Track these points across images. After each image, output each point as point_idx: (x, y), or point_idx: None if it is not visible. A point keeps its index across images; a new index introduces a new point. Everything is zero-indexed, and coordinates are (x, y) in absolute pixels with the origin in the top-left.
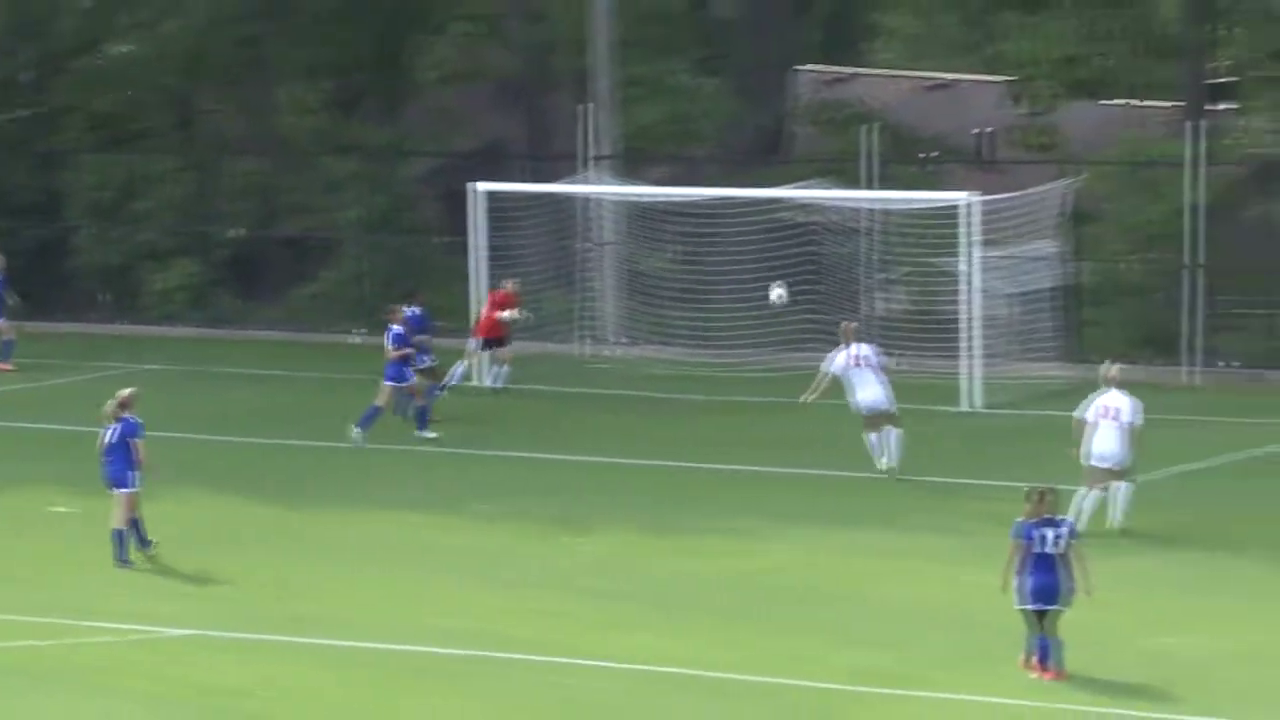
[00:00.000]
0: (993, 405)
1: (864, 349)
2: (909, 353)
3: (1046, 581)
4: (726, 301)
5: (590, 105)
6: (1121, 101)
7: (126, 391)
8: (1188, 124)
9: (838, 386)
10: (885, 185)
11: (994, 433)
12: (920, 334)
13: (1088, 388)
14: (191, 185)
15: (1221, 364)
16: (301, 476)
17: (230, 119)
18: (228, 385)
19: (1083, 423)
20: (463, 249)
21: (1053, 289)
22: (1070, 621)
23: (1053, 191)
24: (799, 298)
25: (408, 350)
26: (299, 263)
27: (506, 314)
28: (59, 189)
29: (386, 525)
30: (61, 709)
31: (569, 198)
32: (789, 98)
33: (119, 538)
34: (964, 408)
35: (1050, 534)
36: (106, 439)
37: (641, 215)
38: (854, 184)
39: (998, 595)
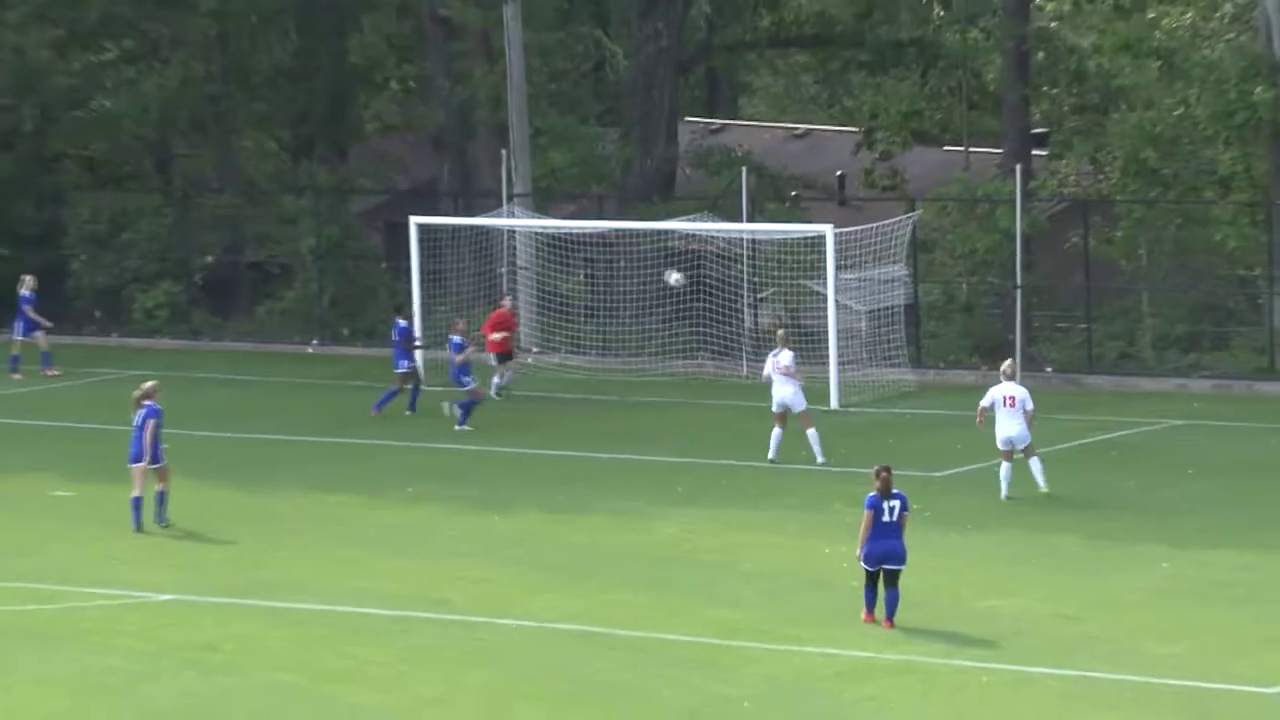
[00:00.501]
0: (849, 405)
1: (786, 356)
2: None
3: (888, 545)
4: (627, 316)
5: (508, 151)
6: (955, 148)
7: (149, 384)
8: (1011, 167)
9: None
10: (758, 219)
11: (851, 427)
12: (789, 344)
13: (931, 389)
14: (170, 219)
15: (1043, 370)
16: (266, 464)
17: (202, 163)
18: (204, 388)
19: (987, 410)
20: (402, 272)
21: (900, 306)
22: (914, 587)
23: (899, 224)
24: (688, 313)
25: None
26: (263, 284)
27: (496, 336)
28: (57, 222)
29: (334, 506)
30: (62, 662)
31: (491, 229)
32: (675, 145)
33: (137, 504)
34: (826, 407)
35: (888, 505)
36: (136, 422)
37: (552, 244)
38: (732, 218)
39: (849, 562)
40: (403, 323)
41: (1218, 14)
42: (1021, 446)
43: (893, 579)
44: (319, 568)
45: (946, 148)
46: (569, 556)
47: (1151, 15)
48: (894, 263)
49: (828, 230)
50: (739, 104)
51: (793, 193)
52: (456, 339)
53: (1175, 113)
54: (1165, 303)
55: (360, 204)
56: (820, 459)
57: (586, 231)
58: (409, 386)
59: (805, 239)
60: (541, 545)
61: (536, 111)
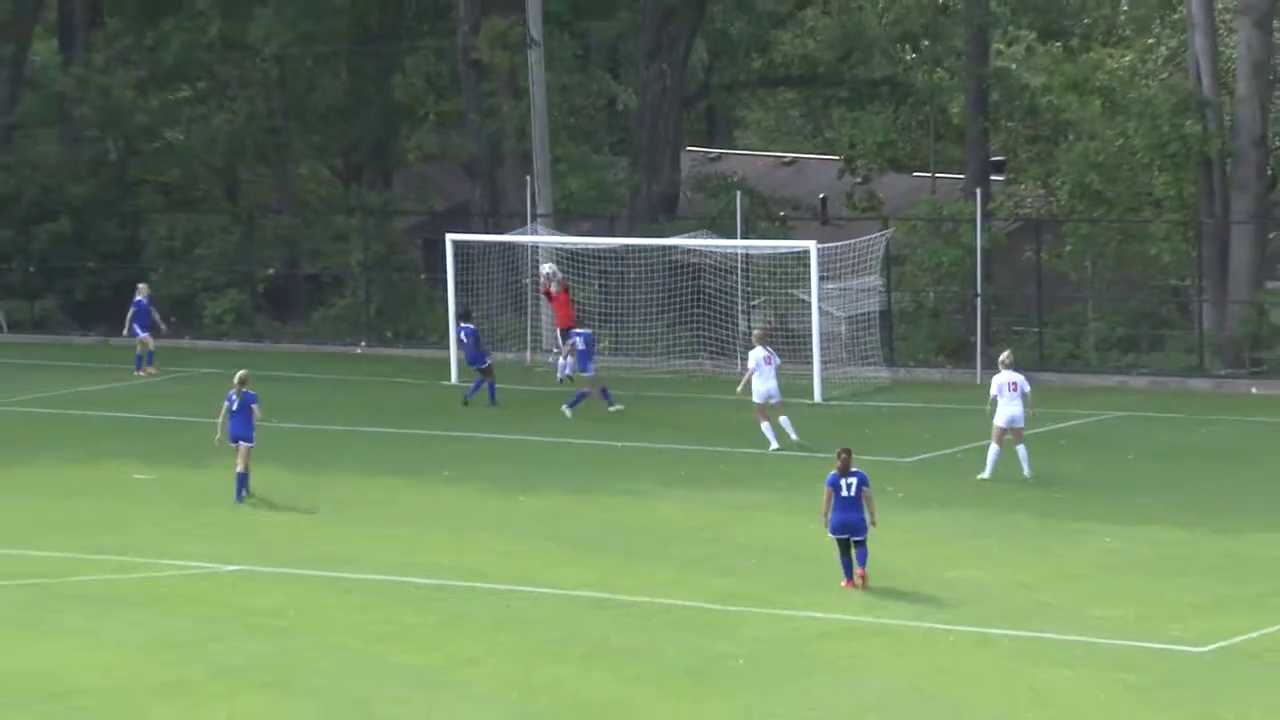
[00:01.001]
0: (830, 399)
1: (766, 350)
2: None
3: (846, 518)
4: (636, 322)
5: (532, 177)
6: (923, 174)
7: (243, 372)
8: (973, 191)
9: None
10: (751, 236)
11: (831, 419)
12: (778, 346)
13: (902, 385)
14: (236, 237)
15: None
16: (322, 451)
17: (264, 188)
18: (265, 385)
19: (995, 399)
20: (439, 283)
21: (875, 312)
22: (887, 559)
23: (874, 241)
24: (689, 319)
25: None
26: (317, 293)
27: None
28: (137, 240)
29: (381, 488)
30: (140, 625)
31: (517, 245)
32: (678, 171)
33: (241, 480)
34: (810, 400)
35: (845, 482)
36: (233, 407)
37: (571, 258)
38: (728, 235)
39: (829, 538)
40: (471, 326)
41: (1153, 56)
42: (1020, 425)
43: (857, 544)
44: (369, 542)
45: (916, 174)
46: (588, 532)
47: (1095, 57)
48: (870, 274)
49: (812, 246)
50: (734, 135)
51: (781, 213)
52: (585, 332)
53: (1116, 143)
54: (1107, 309)
55: (403, 223)
56: (796, 438)
57: (600, 247)
58: (489, 381)
59: (792, 253)
60: (564, 522)
61: (556, 142)
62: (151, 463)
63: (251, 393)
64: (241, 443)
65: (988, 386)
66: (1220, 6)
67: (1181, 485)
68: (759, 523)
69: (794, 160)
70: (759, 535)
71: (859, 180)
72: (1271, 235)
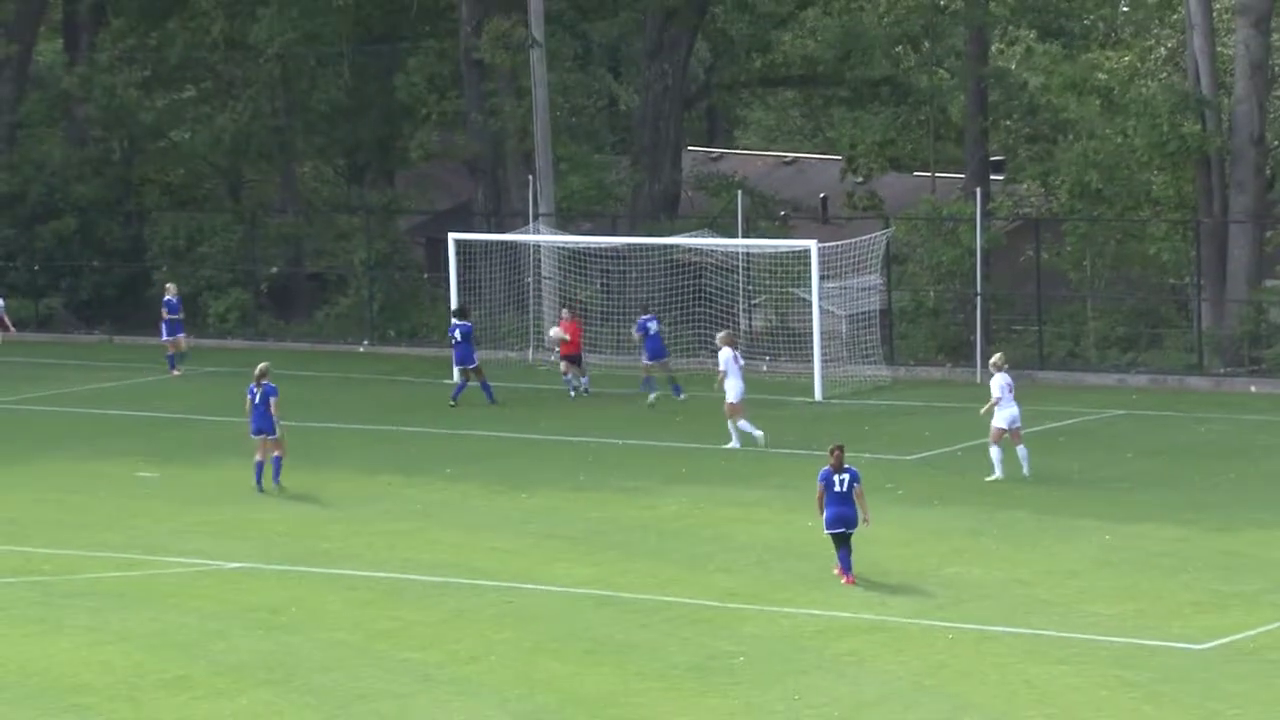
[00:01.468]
0: (831, 397)
1: (734, 351)
2: (769, 358)
3: (841, 511)
4: (637, 320)
5: (534, 176)
6: (923, 174)
7: (263, 365)
8: (972, 190)
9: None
10: (752, 235)
11: (832, 416)
12: (779, 344)
13: (902, 384)
14: (240, 235)
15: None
16: (324, 449)
17: (268, 187)
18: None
19: (998, 400)
20: (441, 282)
21: (875, 311)
22: (886, 556)
23: (874, 240)
24: (691, 317)
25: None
26: (320, 292)
27: (552, 332)
28: (141, 238)
29: (383, 485)
30: (143, 621)
31: (519, 244)
32: (679, 171)
33: (260, 470)
34: (810, 399)
35: (839, 479)
36: (255, 400)
37: (572, 257)
38: (729, 234)
39: (824, 534)
40: (469, 324)
41: (1152, 56)
42: (1019, 425)
43: (845, 539)
44: (370, 539)
45: (916, 173)
46: (587, 529)
47: (1093, 57)
48: (870, 273)
49: (812, 245)
50: (735, 135)
51: (782, 212)
52: (649, 324)
53: (1115, 143)
54: (1106, 308)
55: (405, 222)
56: (746, 438)
57: (602, 246)
58: (477, 381)
59: (793, 252)
60: (564, 519)
61: (558, 142)
62: (155, 460)
63: (271, 385)
64: (264, 435)
65: (987, 385)
66: (1219, 7)
67: (1180, 483)
68: (757, 520)
69: (795, 160)
70: (759, 533)
71: (859, 180)
72: (1269, 234)
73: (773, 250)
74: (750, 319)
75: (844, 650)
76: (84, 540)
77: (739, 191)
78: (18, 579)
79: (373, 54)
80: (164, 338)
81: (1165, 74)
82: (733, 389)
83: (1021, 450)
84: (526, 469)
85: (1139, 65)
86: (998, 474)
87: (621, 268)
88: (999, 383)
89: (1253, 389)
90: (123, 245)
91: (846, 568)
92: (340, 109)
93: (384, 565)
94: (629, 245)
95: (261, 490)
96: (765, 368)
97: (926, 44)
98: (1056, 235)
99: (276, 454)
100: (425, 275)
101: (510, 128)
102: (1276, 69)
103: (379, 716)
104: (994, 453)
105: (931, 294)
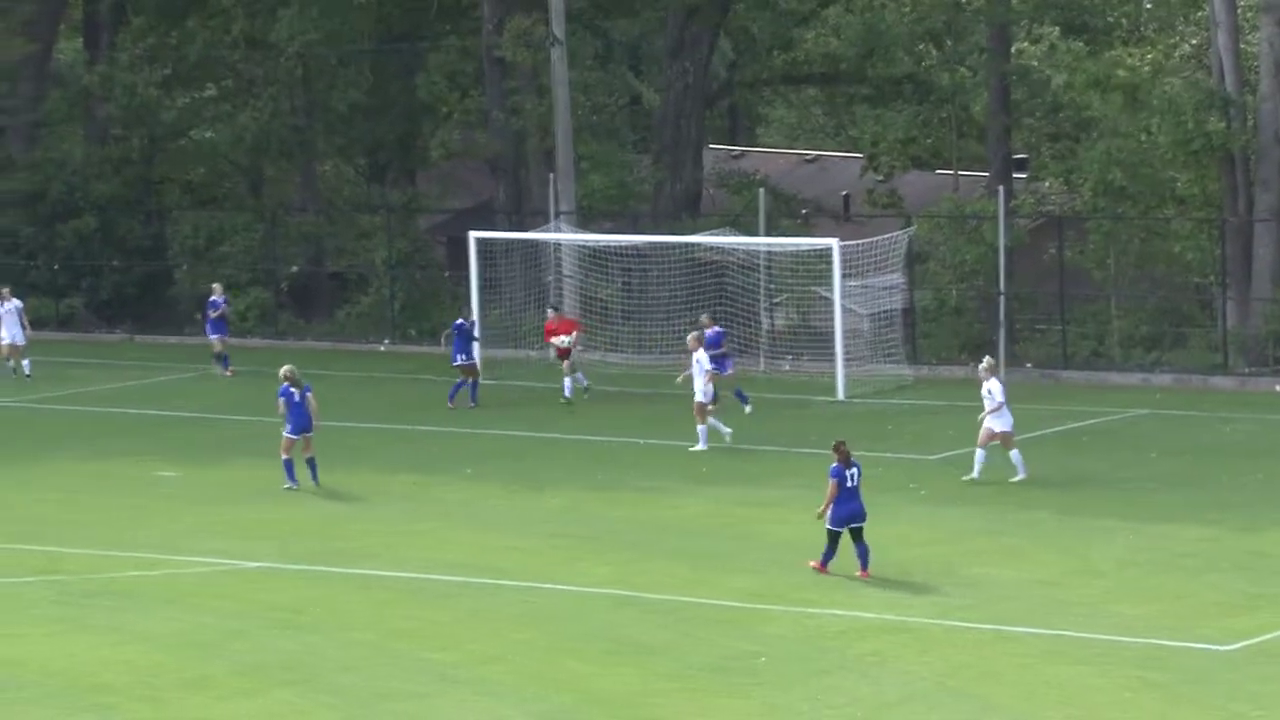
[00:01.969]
0: (853, 396)
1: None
2: (791, 357)
3: (853, 507)
4: (658, 319)
5: (555, 174)
6: (946, 171)
7: (289, 367)
8: (995, 188)
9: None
10: (774, 233)
11: (854, 415)
12: (801, 343)
13: (924, 383)
14: (260, 234)
15: (1023, 366)
16: (344, 448)
17: (288, 186)
18: None
19: (1000, 404)
20: (463, 280)
21: (897, 310)
22: (909, 557)
23: (896, 238)
24: (713, 316)
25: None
26: (341, 291)
27: (556, 340)
28: (162, 237)
29: (403, 485)
30: (163, 621)
31: (540, 243)
32: (701, 169)
33: (290, 467)
34: (833, 398)
35: (849, 473)
36: (296, 399)
37: (593, 256)
38: (751, 232)
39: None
40: (462, 321)
41: (1177, 53)
42: (1010, 429)
43: (859, 534)
44: (390, 539)
45: (939, 171)
46: (608, 529)
47: (1117, 54)
48: (892, 272)
49: (834, 243)
50: (757, 133)
51: (804, 211)
52: (710, 332)
53: (1139, 140)
54: (1131, 307)
55: (426, 221)
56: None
57: (623, 245)
58: (470, 380)
59: (815, 251)
60: (584, 519)
61: (579, 140)
62: (175, 460)
63: (307, 385)
64: (305, 434)
65: (1007, 385)
66: (1243, 4)
67: (1205, 483)
68: (778, 520)
69: (816, 158)
70: (780, 533)
71: (881, 178)
72: None
73: (794, 249)
74: (772, 318)
75: (866, 651)
76: (104, 539)
77: (761, 190)
78: (38, 578)
79: (394, 52)
80: (210, 336)
81: (1189, 71)
82: (705, 390)
83: (1015, 455)
84: (547, 468)
85: (1163, 62)
86: (975, 475)
87: (643, 266)
88: (1000, 387)
89: (1278, 389)
90: (143, 244)
91: (827, 560)
92: (361, 108)
93: (404, 565)
94: (650, 244)
95: (298, 486)
96: (788, 366)
97: (949, 41)
98: (1080, 233)
99: (309, 455)
100: (446, 274)
101: (531, 126)
102: None
103: (399, 716)
104: (979, 455)
105: (954, 293)
